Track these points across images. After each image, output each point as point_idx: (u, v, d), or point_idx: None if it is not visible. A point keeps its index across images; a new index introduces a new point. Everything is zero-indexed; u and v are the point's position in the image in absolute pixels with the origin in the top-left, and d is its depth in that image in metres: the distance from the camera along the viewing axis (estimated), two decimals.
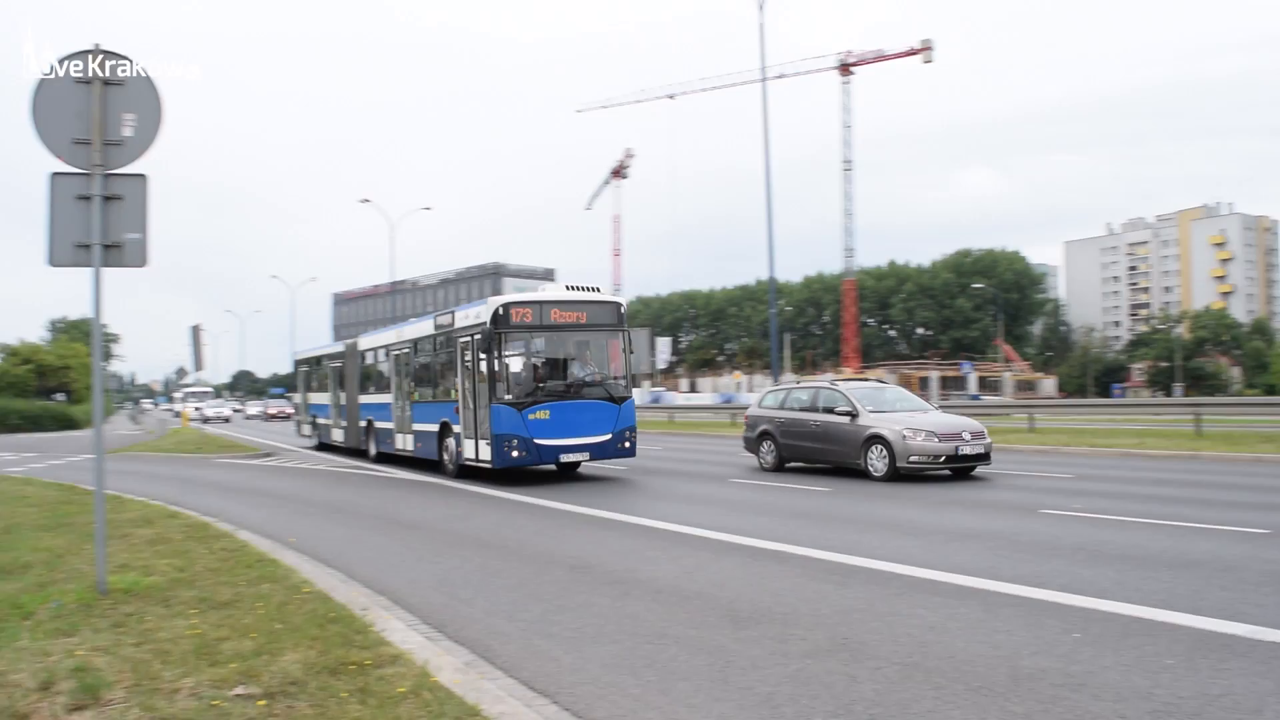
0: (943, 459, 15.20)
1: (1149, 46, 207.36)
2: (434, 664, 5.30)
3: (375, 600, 7.19)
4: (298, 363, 32.98)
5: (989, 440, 15.93)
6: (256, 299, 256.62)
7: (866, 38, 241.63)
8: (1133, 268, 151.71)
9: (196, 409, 66.08)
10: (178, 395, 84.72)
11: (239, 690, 4.85)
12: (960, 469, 15.76)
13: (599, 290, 17.45)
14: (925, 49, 76.49)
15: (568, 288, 17.35)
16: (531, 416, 15.82)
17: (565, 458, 16.50)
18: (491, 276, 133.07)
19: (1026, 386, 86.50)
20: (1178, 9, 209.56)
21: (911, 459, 15.18)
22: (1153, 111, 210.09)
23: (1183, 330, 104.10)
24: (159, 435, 41.11)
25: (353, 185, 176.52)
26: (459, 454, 17.43)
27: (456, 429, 17.49)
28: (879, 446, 15.67)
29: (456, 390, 17.51)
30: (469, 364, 16.94)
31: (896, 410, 16.67)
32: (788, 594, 7.33)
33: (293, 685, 4.92)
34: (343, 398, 26.02)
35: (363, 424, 23.95)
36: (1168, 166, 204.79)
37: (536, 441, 15.85)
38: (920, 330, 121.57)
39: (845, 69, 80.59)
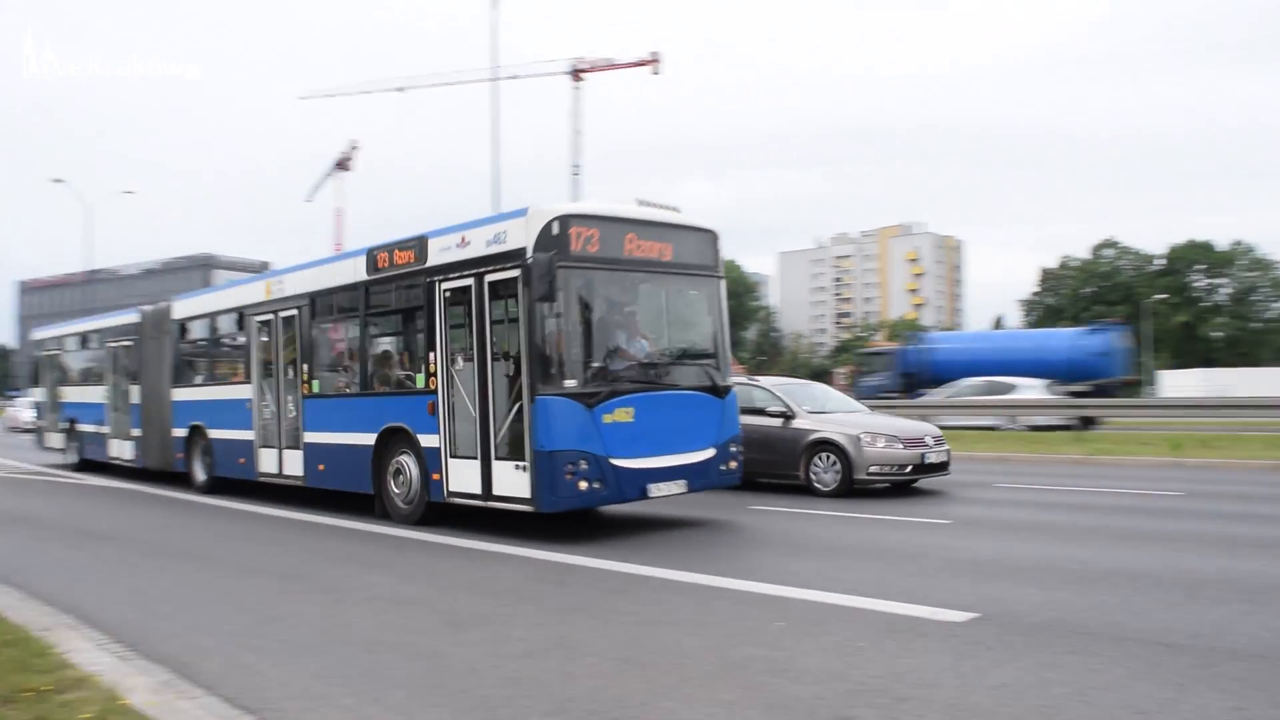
0: (909, 468, 13.04)
1: (853, 79, 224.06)
2: (124, 685, 4.90)
3: (59, 619, 6.56)
4: (41, 343, 23.22)
5: (948, 446, 13.84)
6: None
7: (601, 47, 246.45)
8: (838, 279, 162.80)
9: None
10: None
11: None
12: (907, 481, 13.53)
13: (679, 212, 10.90)
14: (654, 61, 78.82)
15: (640, 203, 10.53)
16: (608, 418, 9.43)
17: (656, 490, 9.83)
18: (201, 268, 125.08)
19: None
20: (886, 46, 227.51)
21: (871, 469, 12.87)
22: (857, 137, 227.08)
23: (880, 338, 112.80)
24: None
25: (45, 165, 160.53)
26: (431, 485, 10.54)
27: (427, 441, 10.57)
28: (828, 454, 13.15)
29: (434, 373, 10.51)
30: (467, 327, 10.14)
31: (834, 410, 14.36)
32: (507, 595, 7.32)
33: None
34: (135, 394, 17.71)
35: (180, 433, 16.09)
36: (870, 188, 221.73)
37: (614, 463, 9.43)
38: None
39: (577, 74, 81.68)
